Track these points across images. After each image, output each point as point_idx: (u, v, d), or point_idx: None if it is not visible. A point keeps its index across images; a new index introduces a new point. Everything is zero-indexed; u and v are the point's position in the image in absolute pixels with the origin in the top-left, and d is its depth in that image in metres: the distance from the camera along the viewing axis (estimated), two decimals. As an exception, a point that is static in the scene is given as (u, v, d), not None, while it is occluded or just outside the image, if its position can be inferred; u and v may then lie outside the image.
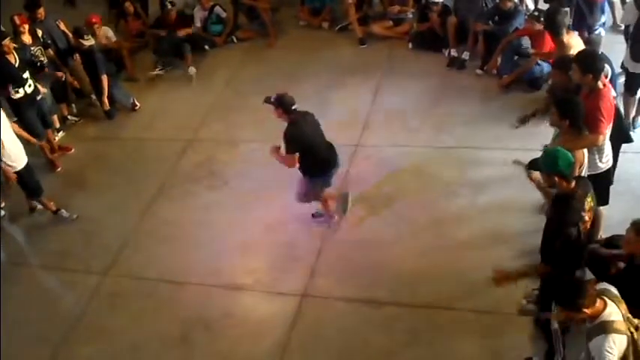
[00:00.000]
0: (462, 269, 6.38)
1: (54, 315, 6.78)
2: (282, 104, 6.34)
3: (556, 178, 4.72)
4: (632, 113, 7.52)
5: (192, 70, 10.22)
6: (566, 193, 4.74)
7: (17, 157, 7.37)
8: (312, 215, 7.21)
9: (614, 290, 4.25)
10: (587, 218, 4.75)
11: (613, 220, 5.99)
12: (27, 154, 7.54)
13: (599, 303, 4.10)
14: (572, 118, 5.23)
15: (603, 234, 5.91)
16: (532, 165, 5.00)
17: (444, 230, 6.86)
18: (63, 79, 9.15)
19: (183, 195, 8.04)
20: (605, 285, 4.28)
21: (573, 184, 4.74)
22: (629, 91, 7.37)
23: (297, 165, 6.48)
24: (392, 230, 6.98)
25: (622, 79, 7.48)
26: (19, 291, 7.06)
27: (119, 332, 6.49)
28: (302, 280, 6.63)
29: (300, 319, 6.29)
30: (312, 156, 6.46)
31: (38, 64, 8.65)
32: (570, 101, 5.36)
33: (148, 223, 7.73)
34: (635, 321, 4.17)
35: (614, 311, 4.10)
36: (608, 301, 4.12)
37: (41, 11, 9.31)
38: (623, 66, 7.76)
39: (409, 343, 5.87)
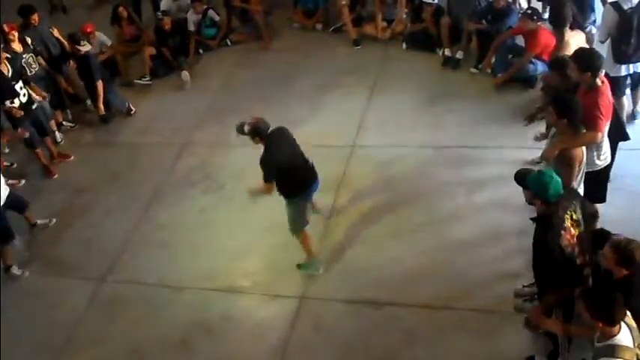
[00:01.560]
0: (460, 268, 6.40)
1: (53, 322, 6.77)
2: (258, 133, 5.98)
3: (539, 202, 4.69)
4: (625, 113, 7.49)
5: (185, 75, 10.21)
6: (546, 213, 4.68)
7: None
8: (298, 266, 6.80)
9: (630, 316, 4.14)
10: (568, 235, 4.63)
11: (609, 217, 6.01)
12: (24, 159, 7.49)
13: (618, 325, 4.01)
14: (570, 117, 5.23)
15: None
16: (519, 178, 4.84)
17: (441, 230, 6.87)
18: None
19: (180, 199, 8.03)
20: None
21: (556, 207, 4.66)
22: (613, 94, 7.33)
23: (275, 189, 6.18)
24: (389, 230, 6.98)
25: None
26: (18, 299, 7.04)
27: (119, 337, 6.49)
28: (300, 281, 6.63)
29: (300, 321, 6.30)
30: (290, 178, 6.14)
31: (23, 75, 8.51)
32: (568, 100, 5.37)
33: (145, 228, 7.73)
34: None
35: (627, 337, 4.00)
36: (624, 326, 4.02)
37: (35, 17, 9.29)
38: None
39: (408, 344, 5.88)
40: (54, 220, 7.89)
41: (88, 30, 9.89)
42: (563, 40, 6.48)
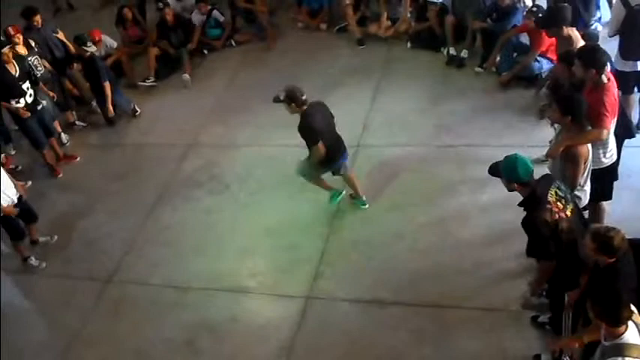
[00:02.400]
0: (465, 267, 6.38)
1: (58, 322, 6.80)
2: (294, 99, 6.39)
3: (515, 185, 4.82)
4: (634, 112, 7.45)
5: (185, 77, 10.23)
6: (529, 196, 4.81)
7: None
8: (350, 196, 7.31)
9: (637, 314, 4.11)
10: (555, 208, 4.73)
11: (615, 215, 6.00)
12: (28, 158, 7.51)
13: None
14: (574, 115, 5.20)
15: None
16: (492, 169, 5.01)
17: (446, 229, 6.85)
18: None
19: (185, 200, 8.04)
20: (632, 307, 4.09)
21: (534, 186, 4.79)
22: (621, 91, 7.31)
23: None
24: (394, 230, 6.97)
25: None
26: (25, 299, 7.07)
27: (124, 338, 6.50)
28: (306, 281, 6.62)
29: (305, 321, 6.29)
30: (327, 143, 6.54)
31: (34, 77, 8.57)
32: (572, 98, 5.34)
33: (151, 228, 7.74)
34: None
35: (634, 335, 3.96)
36: (630, 324, 3.98)
37: (38, 18, 9.31)
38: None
39: (415, 343, 5.86)
40: (55, 237, 7.78)
41: (97, 38, 9.88)
42: (569, 40, 6.45)
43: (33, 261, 7.47)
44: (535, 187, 4.78)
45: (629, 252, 4.46)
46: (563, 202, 4.80)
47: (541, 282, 5.17)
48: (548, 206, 4.70)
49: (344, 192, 7.28)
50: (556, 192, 4.81)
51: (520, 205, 4.87)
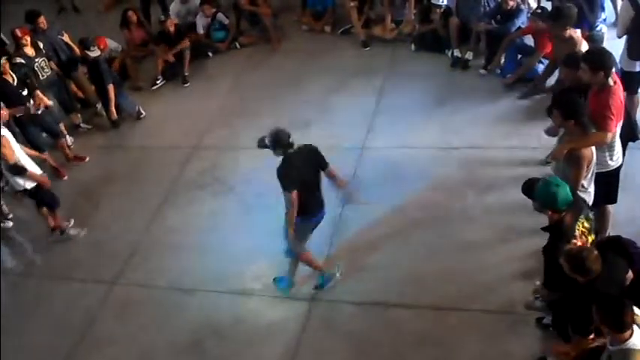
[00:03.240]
0: (470, 270, 6.38)
1: (64, 325, 6.81)
2: (279, 144, 5.83)
3: (549, 212, 4.71)
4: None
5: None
6: (557, 224, 4.70)
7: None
8: (315, 287, 6.61)
9: None
10: (580, 244, 4.64)
11: (620, 217, 6.00)
12: (34, 162, 7.59)
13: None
14: (576, 118, 5.18)
15: (611, 232, 5.90)
16: (527, 189, 4.83)
17: (451, 231, 6.85)
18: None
19: (190, 202, 8.06)
20: (636, 310, 4.10)
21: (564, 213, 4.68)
22: (627, 91, 7.31)
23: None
24: (399, 232, 6.98)
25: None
26: (29, 302, 7.09)
27: (129, 340, 6.52)
28: (311, 284, 6.62)
29: (310, 323, 6.30)
30: (305, 194, 5.93)
31: (29, 83, 8.60)
32: (571, 101, 5.30)
33: (156, 230, 7.76)
34: None
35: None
36: (635, 328, 3.98)
37: (42, 20, 9.35)
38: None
39: (419, 345, 5.87)
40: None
41: (102, 46, 9.89)
42: (574, 42, 6.45)
43: (72, 231, 7.79)
44: (568, 219, 4.64)
45: (614, 262, 4.44)
46: (587, 234, 4.72)
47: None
48: (574, 240, 4.61)
49: (338, 274, 6.58)
50: (583, 223, 4.73)
51: (545, 230, 4.78)
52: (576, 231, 4.66)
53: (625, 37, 6.91)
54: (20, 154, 7.28)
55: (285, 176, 5.81)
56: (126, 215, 8.03)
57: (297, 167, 5.87)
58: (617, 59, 7.41)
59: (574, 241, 4.62)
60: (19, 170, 7.15)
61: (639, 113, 7.43)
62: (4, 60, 8.17)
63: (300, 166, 5.90)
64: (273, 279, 6.69)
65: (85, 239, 7.82)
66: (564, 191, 4.62)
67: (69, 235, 7.77)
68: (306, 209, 6.04)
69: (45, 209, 7.73)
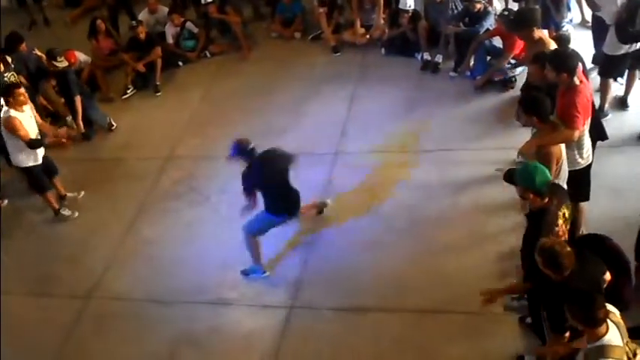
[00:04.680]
0: (447, 272, 6.41)
1: (39, 342, 6.69)
2: (243, 153, 6.30)
3: (531, 195, 4.77)
4: (608, 99, 7.60)
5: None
6: (540, 208, 4.77)
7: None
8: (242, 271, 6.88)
9: (617, 314, 4.15)
10: (560, 232, 4.73)
11: (593, 216, 6.07)
12: (9, 175, 7.61)
13: (603, 324, 3.97)
14: (538, 114, 5.30)
15: (585, 230, 5.97)
16: (508, 177, 4.95)
17: (427, 233, 6.88)
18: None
19: (165, 213, 7.99)
20: (610, 307, 4.12)
21: (547, 199, 4.75)
22: (605, 75, 7.45)
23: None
24: (375, 236, 6.99)
25: (594, 74, 7.58)
26: (3, 320, 6.97)
27: (106, 354, 6.45)
28: (288, 291, 6.62)
29: (289, 331, 6.28)
30: (269, 198, 6.43)
31: None
32: (532, 98, 5.44)
33: (131, 242, 7.68)
34: (633, 346, 4.09)
35: (616, 336, 3.99)
36: (611, 325, 4.00)
37: (24, 46, 9.39)
38: (594, 60, 7.85)
39: (398, 349, 5.88)
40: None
41: (72, 60, 9.79)
42: (542, 43, 6.53)
43: (66, 212, 8.10)
44: (551, 205, 4.72)
45: (589, 259, 4.48)
46: (567, 224, 4.81)
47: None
48: (556, 228, 4.68)
49: (263, 275, 6.81)
50: (564, 213, 4.80)
51: (528, 217, 4.84)
52: (559, 219, 4.74)
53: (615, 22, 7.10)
54: (30, 129, 7.56)
55: (244, 179, 6.28)
56: (100, 228, 7.93)
57: (262, 171, 6.32)
58: (591, 56, 7.61)
59: (556, 228, 4.69)
60: (36, 143, 7.63)
61: (607, 104, 7.58)
62: None
63: (266, 170, 6.33)
64: (241, 271, 6.82)
65: (60, 253, 7.71)
66: (542, 171, 4.71)
67: (63, 215, 8.09)
68: (282, 208, 6.49)
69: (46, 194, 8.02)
